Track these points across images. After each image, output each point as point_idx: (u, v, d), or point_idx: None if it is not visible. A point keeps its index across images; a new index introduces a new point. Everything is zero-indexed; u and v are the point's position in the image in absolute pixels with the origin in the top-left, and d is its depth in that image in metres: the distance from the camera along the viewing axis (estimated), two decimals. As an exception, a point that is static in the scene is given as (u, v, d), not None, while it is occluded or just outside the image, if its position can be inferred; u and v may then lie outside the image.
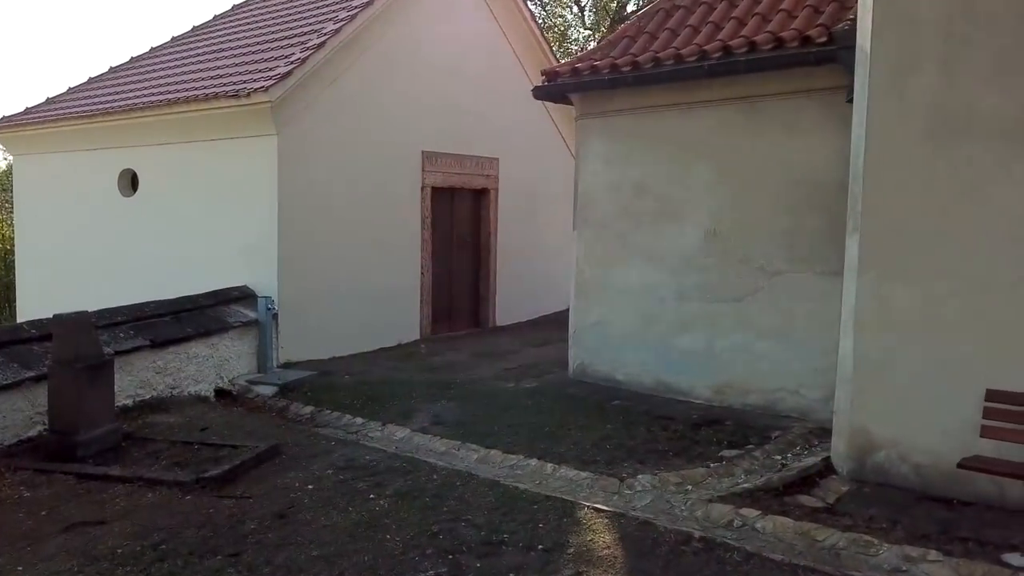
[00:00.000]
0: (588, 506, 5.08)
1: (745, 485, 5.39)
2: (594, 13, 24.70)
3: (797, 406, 6.95)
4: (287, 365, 9.45)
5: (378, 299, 10.69)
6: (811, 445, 6.20)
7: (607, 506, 5.10)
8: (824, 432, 6.41)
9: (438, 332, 11.76)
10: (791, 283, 7.00)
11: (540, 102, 13.27)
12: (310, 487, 5.45)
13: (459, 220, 12.14)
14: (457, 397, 7.90)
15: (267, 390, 8.48)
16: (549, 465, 5.88)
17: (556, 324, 12.50)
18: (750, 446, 6.26)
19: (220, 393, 8.49)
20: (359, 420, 7.32)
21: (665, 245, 7.78)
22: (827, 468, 5.61)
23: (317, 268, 9.87)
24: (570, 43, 24.39)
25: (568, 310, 13.16)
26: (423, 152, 11.20)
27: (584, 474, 5.68)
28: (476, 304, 12.55)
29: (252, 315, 9.10)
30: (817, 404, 6.81)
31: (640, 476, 5.56)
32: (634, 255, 8.01)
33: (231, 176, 9.83)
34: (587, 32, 24.34)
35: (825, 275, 6.77)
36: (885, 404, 5.28)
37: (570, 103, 8.72)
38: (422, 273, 11.30)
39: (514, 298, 12.92)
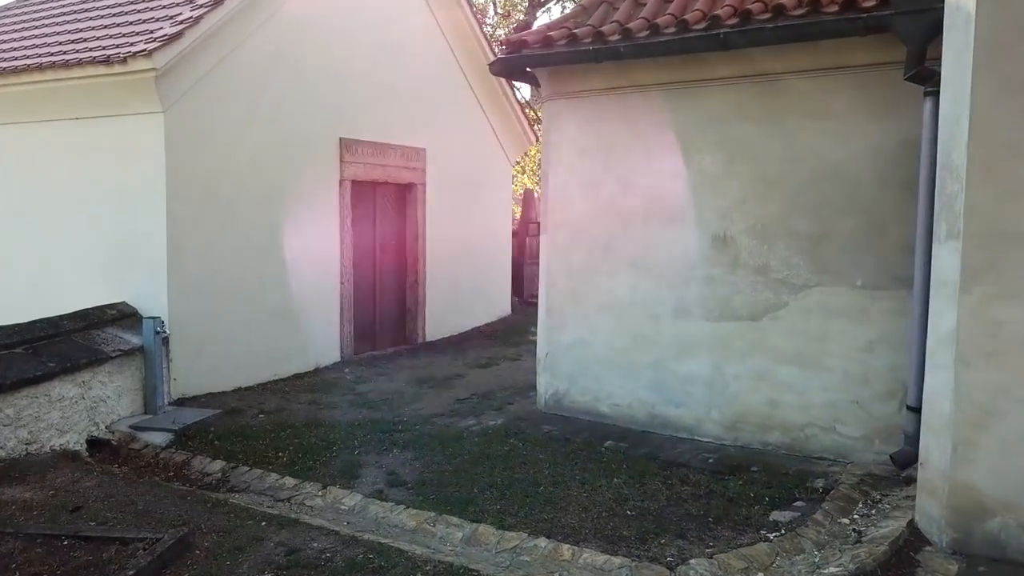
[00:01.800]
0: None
1: (833, 570, 4.15)
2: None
3: (832, 446, 5.82)
4: (182, 401, 7.57)
5: (291, 315, 8.92)
6: (873, 501, 5.05)
7: (672, 617, 3.74)
8: (878, 481, 5.30)
9: (362, 351, 10.08)
10: (821, 298, 5.86)
11: (467, 89, 11.84)
12: (244, 609, 3.79)
13: (383, 219, 10.48)
14: (411, 444, 6.33)
15: (159, 438, 6.61)
16: (565, 547, 4.45)
17: (494, 339, 11.08)
18: (799, 503, 5.06)
19: (96, 444, 6.56)
20: (289, 481, 5.64)
21: (660, 252, 6.50)
22: (916, 537, 4.46)
23: (216, 278, 8.02)
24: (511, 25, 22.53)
25: (502, 321, 11.80)
26: (341, 140, 9.49)
27: (617, 560, 4.28)
28: (403, 317, 10.93)
29: (135, 340, 7.17)
30: (857, 444, 5.71)
31: (693, 561, 4.23)
32: (621, 263, 6.69)
33: (106, 164, 7.81)
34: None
35: (864, 289, 5.67)
36: (1000, 458, 4.17)
37: (534, 82, 7.30)
38: (342, 282, 9.59)
39: (445, 309, 11.38)
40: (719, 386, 6.27)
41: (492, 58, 11.46)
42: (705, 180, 6.29)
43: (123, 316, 7.45)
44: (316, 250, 9.23)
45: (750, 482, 5.41)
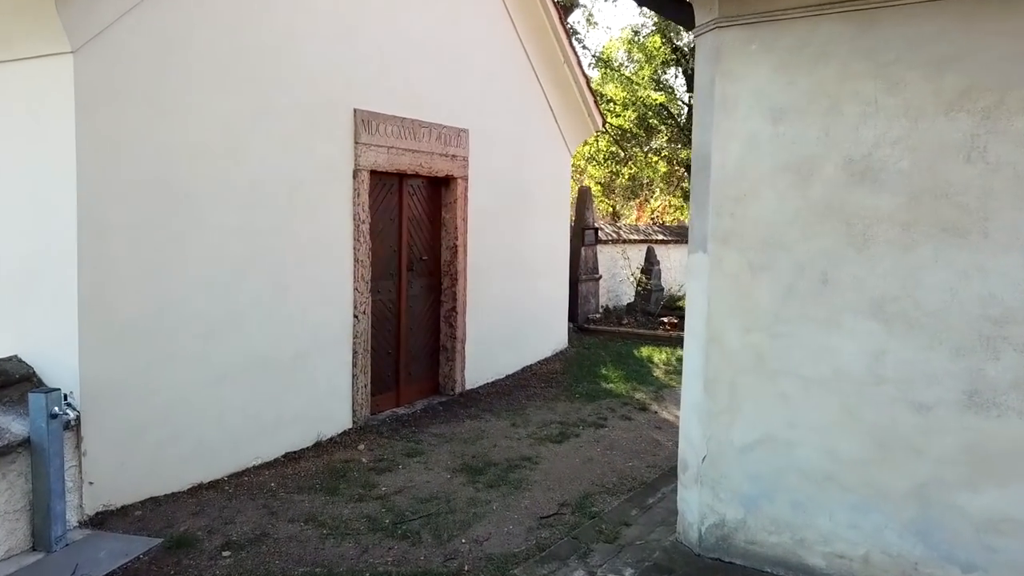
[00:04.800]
0: None
1: None
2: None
3: None
4: (102, 519, 4.72)
5: (282, 364, 6.07)
6: None
7: None
8: None
9: (382, 409, 7.22)
10: None
11: (521, 53, 8.99)
12: None
13: (411, 225, 7.63)
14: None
15: (38, 615, 3.76)
16: None
17: (556, 386, 8.25)
18: None
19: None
20: None
21: (935, 290, 3.62)
22: None
23: (166, 316, 5.18)
24: None
25: (559, 356, 9.20)
26: (356, 113, 6.64)
27: None
28: (435, 357, 8.06)
29: (19, 429, 4.33)
30: None
31: None
32: (852, 307, 3.81)
33: (5, 137, 4.98)
34: None
35: None
36: None
37: (686, 8, 4.44)
38: (355, 316, 6.73)
39: (490, 346, 8.52)
40: (1065, 543, 3.39)
41: (555, 14, 8.63)
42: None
43: (7, 383, 4.60)
44: (319, 269, 6.38)
45: None
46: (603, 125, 10.63)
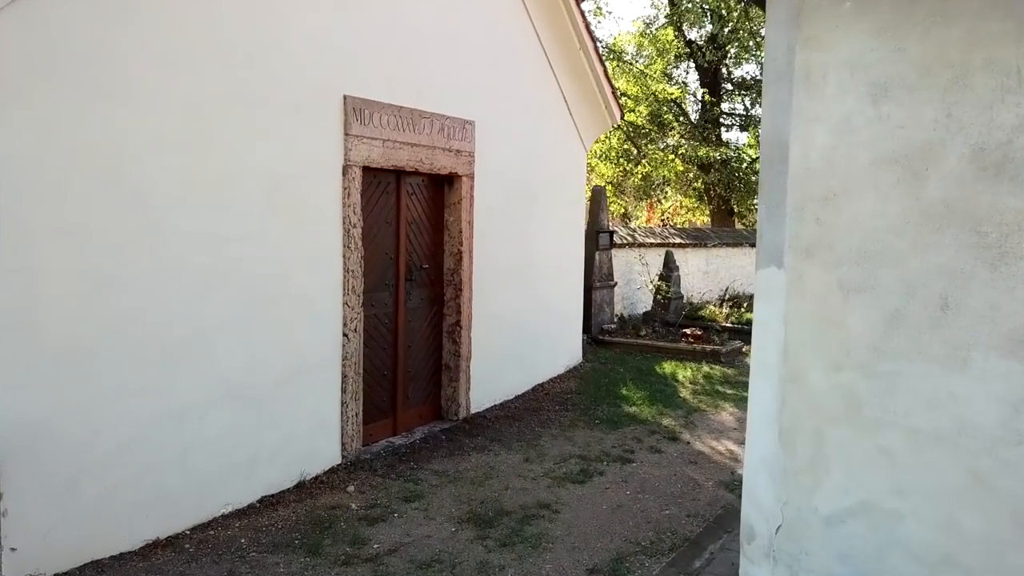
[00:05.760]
0: None
1: None
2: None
3: None
4: (24, 595, 3.83)
5: (258, 392, 5.18)
6: None
7: None
8: None
9: (375, 439, 6.34)
10: None
11: (533, 38, 8.09)
12: None
13: (410, 228, 6.73)
14: None
15: None
16: None
17: (573, 409, 7.37)
18: None
19: None
20: None
21: (1105, 321, 2.73)
22: None
23: (109, 341, 4.29)
24: None
25: (574, 373, 8.47)
26: (347, 100, 5.75)
27: None
28: (437, 377, 7.16)
29: (-87, 486, 3.44)
30: None
31: None
32: (978, 340, 2.92)
33: None
34: None
35: None
36: None
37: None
38: (345, 334, 5.83)
39: (498, 362, 7.63)
40: None
41: (570, -9, 7.75)
42: None
43: (-93, 425, 3.71)
44: (303, 281, 5.49)
45: None
46: (621, 119, 9.74)
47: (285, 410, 5.37)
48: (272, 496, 5.20)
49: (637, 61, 18.11)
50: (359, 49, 5.86)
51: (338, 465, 5.77)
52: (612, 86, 9.04)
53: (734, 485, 5.47)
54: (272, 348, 5.27)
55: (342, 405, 5.82)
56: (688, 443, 6.54)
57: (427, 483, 5.51)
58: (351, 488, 5.38)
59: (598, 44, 8.64)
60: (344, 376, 5.83)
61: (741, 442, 6.57)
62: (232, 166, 4.92)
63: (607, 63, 18.46)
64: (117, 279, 4.30)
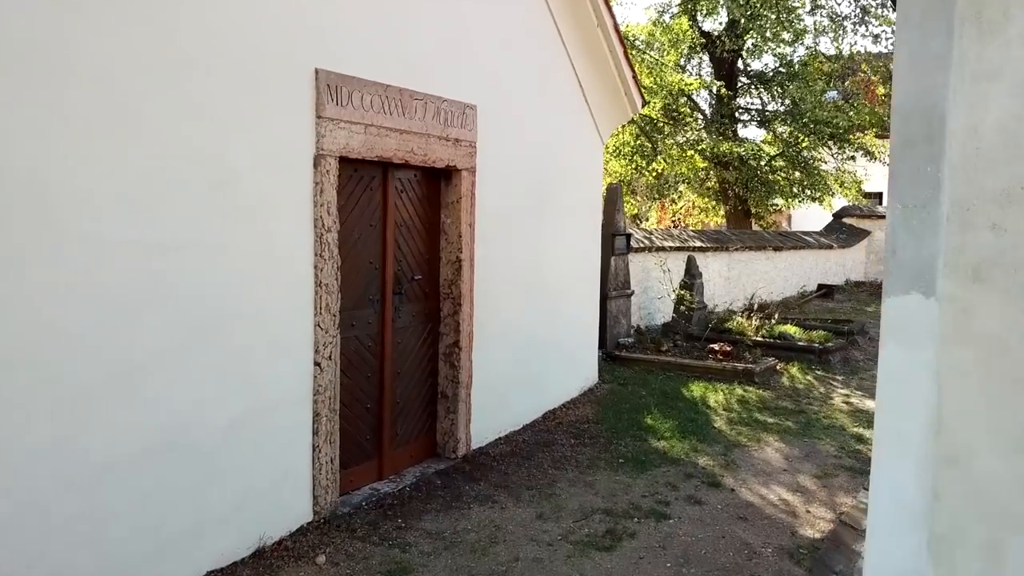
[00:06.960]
0: None
1: None
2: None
3: None
4: None
5: (206, 441, 4.10)
6: None
7: None
8: None
9: (358, 486, 5.27)
10: None
11: (546, 12, 7.01)
12: None
13: (399, 232, 5.64)
14: None
15: None
16: None
17: (591, 443, 6.32)
18: None
19: None
20: None
21: None
22: None
23: (12, 376, 3.22)
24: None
25: (589, 396, 7.80)
26: (320, 74, 4.66)
27: None
28: (431, 407, 6.07)
29: None
30: None
31: None
32: None
33: None
34: None
35: None
36: None
37: None
38: (317, 362, 4.74)
39: (502, 388, 6.55)
40: None
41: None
42: None
43: None
44: (263, 299, 4.41)
45: None
46: (643, 107, 8.65)
47: (239, 461, 4.29)
48: (221, 570, 4.12)
49: (649, 51, 17.01)
50: (336, 13, 4.78)
51: (308, 524, 4.69)
52: (633, 70, 7.94)
53: (800, 555, 4.38)
54: (222, 384, 4.18)
55: (313, 449, 4.74)
56: (732, 490, 5.45)
57: (417, 549, 4.43)
58: (321, 559, 4.29)
59: (617, 22, 7.51)
60: (316, 414, 4.74)
61: (796, 489, 5.48)
62: (165, 156, 3.84)
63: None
64: (2, 302, 3.22)
